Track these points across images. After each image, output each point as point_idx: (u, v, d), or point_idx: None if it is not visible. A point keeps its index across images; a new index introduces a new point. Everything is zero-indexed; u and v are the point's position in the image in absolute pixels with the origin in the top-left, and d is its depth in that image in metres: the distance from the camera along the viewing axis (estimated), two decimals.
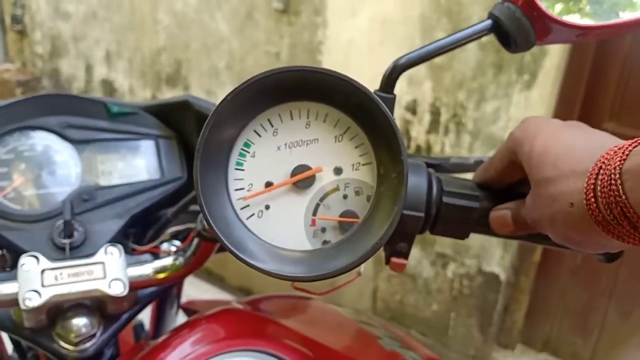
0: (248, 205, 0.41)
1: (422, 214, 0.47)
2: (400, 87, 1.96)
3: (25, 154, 0.65)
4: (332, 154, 0.41)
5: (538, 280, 1.92)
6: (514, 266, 1.89)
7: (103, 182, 0.66)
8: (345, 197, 0.42)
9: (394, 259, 0.49)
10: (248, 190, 0.41)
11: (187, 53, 2.33)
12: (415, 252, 1.99)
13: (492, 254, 1.85)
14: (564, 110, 1.74)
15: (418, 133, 1.92)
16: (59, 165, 0.66)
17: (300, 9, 2.00)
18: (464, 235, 0.50)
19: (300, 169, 0.41)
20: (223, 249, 0.46)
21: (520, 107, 1.73)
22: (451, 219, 0.49)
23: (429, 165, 0.52)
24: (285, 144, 0.41)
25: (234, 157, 0.41)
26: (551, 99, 1.71)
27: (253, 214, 0.41)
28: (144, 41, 2.45)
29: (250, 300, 0.62)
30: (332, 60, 1.97)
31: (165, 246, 0.66)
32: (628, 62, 1.67)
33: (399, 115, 1.92)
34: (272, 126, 0.42)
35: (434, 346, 2.04)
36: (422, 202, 0.47)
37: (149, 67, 2.48)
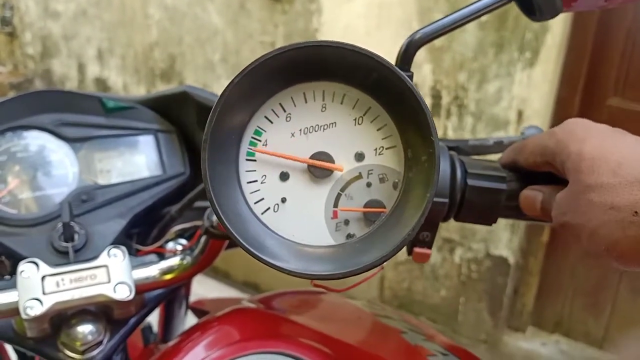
0: (263, 199, 0.38)
1: (446, 200, 0.44)
2: None
3: (18, 155, 0.61)
4: (351, 139, 0.38)
5: (547, 261, 1.89)
6: (522, 248, 1.86)
7: (102, 181, 0.63)
8: (369, 185, 0.38)
9: (417, 249, 0.46)
10: (262, 183, 0.38)
11: (180, 47, 2.29)
12: None
13: (499, 237, 1.83)
14: (567, 87, 1.70)
15: None
16: (54, 165, 0.62)
17: None
18: (491, 220, 0.47)
19: (318, 156, 0.38)
20: (232, 245, 0.43)
21: (523, 85, 1.70)
22: (477, 203, 0.46)
23: (448, 147, 0.49)
24: (300, 130, 0.38)
25: (245, 147, 0.38)
26: (554, 76, 1.68)
27: (269, 208, 0.38)
28: (136, 37, 2.41)
29: (262, 298, 0.59)
30: None
31: (171, 245, 0.63)
32: (631, 35, 1.63)
33: None
34: (285, 111, 0.38)
35: (444, 332, 2.01)
36: (446, 186, 0.44)
37: (142, 63, 2.44)
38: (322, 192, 0.38)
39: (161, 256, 0.59)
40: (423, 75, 1.83)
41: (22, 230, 0.58)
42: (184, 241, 0.64)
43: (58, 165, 0.62)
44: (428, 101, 1.85)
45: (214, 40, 2.19)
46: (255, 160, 0.38)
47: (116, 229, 0.60)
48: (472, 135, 1.82)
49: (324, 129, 0.38)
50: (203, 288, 2.18)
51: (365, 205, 0.38)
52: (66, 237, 0.56)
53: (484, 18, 1.73)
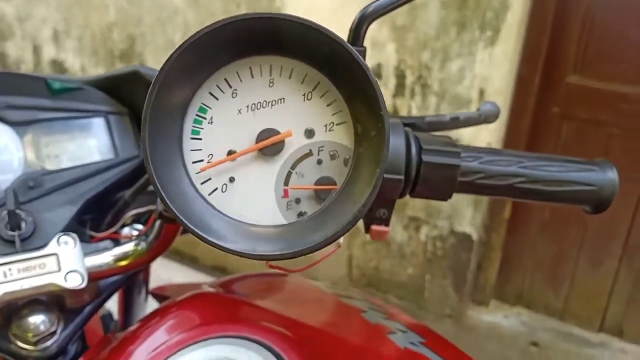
0: (210, 179, 0.37)
1: (401, 176, 0.44)
2: None
3: None
4: (301, 115, 0.37)
5: (509, 236, 1.94)
6: (485, 225, 1.90)
7: (50, 166, 0.60)
8: (319, 162, 0.38)
9: (374, 227, 0.46)
10: (208, 162, 0.37)
11: (140, 28, 2.23)
12: None
13: (463, 215, 1.86)
14: (527, 65, 1.73)
15: (385, 98, 1.88)
16: None
17: None
18: (447, 195, 0.47)
19: (266, 133, 0.37)
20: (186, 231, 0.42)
21: (485, 64, 1.71)
22: (433, 178, 0.46)
23: (404, 124, 0.49)
24: (247, 107, 0.37)
25: (189, 125, 0.36)
26: (515, 54, 1.70)
27: (216, 189, 0.37)
28: (93, 17, 2.33)
29: (223, 282, 0.58)
30: None
31: (126, 231, 0.61)
32: (590, 13, 1.66)
33: None
34: (231, 87, 0.37)
35: (410, 308, 2.05)
36: (402, 163, 0.44)
37: (100, 44, 2.37)
38: (272, 170, 0.37)
39: (117, 242, 0.58)
40: (387, 54, 1.83)
41: None
42: (140, 226, 0.62)
43: (2, 151, 0.59)
44: (392, 81, 1.85)
45: (175, 19, 2.14)
46: (200, 139, 0.37)
47: (66, 216, 0.57)
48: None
49: (272, 105, 0.37)
50: (170, 273, 2.16)
51: (316, 183, 0.37)
52: (12, 225, 0.53)
53: None
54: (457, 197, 2.07)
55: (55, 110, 0.62)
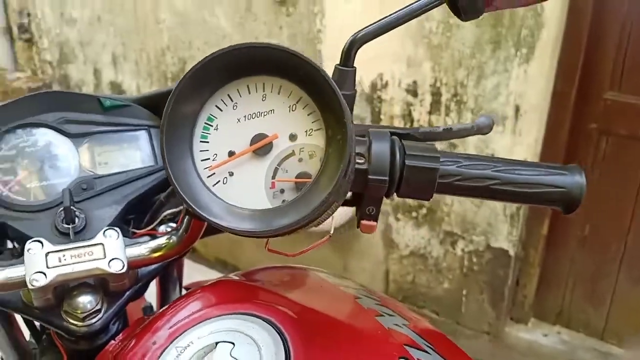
0: (214, 174, 0.46)
1: (386, 177, 0.50)
2: (400, 69, 1.98)
3: (27, 150, 0.69)
4: (287, 122, 0.45)
5: (547, 252, 1.93)
6: (522, 240, 1.90)
7: (100, 171, 0.70)
8: (300, 160, 0.46)
9: (363, 222, 0.52)
10: (213, 160, 0.45)
11: (190, 51, 2.37)
12: (423, 231, 2.02)
13: (499, 230, 1.87)
14: (564, 81, 1.74)
15: (420, 115, 1.93)
16: (58, 158, 0.70)
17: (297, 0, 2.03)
18: (428, 195, 0.53)
19: (258, 137, 0.45)
20: (213, 230, 0.50)
21: (520, 81, 1.74)
22: (414, 180, 0.52)
23: (398, 134, 0.55)
24: (245, 116, 0.45)
25: (199, 131, 0.46)
26: (550, 71, 1.72)
27: (219, 181, 0.46)
28: (149, 42, 2.50)
29: (245, 272, 0.66)
30: (332, 48, 2.00)
31: (162, 228, 0.70)
32: (626, 28, 1.66)
33: (400, 98, 1.94)
34: (232, 100, 0.46)
35: (447, 324, 2.06)
36: (386, 166, 0.50)
37: (154, 67, 2.52)
38: (263, 166, 0.46)
39: (153, 237, 0.66)
40: (423, 72, 1.88)
41: (30, 215, 0.65)
42: (173, 224, 0.72)
43: (62, 158, 0.70)
44: (428, 98, 1.90)
45: (222, 43, 2.26)
46: (208, 142, 0.46)
47: (112, 213, 0.67)
48: None
49: (264, 115, 0.46)
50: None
51: (297, 177, 0.46)
52: (67, 220, 0.64)
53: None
54: (492, 214, 2.07)
55: (106, 124, 0.73)
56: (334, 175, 0.42)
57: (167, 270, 0.82)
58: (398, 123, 1.97)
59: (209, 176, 0.46)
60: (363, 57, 1.83)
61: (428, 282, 2.07)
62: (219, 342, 0.47)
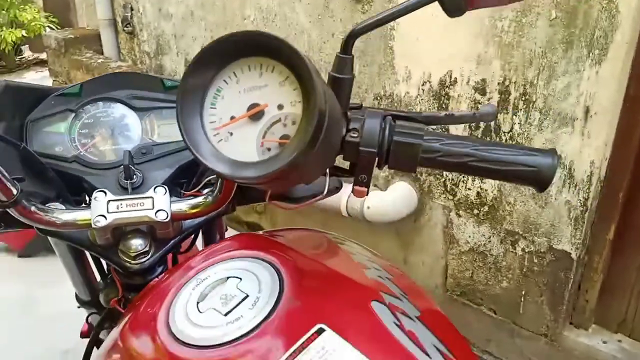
0: (218, 133, 0.57)
1: (375, 150, 0.58)
2: (469, 67, 2.00)
3: (102, 119, 0.85)
4: (276, 95, 0.56)
5: (613, 259, 1.88)
6: (585, 244, 1.87)
7: (158, 140, 0.86)
8: (284, 125, 0.56)
9: (356, 187, 0.60)
10: (218, 123, 0.57)
11: None
12: (484, 229, 2.03)
13: (562, 232, 1.85)
14: (637, 84, 1.69)
15: None
16: (126, 127, 0.86)
17: None
18: (413, 168, 0.60)
19: (253, 106, 0.56)
20: (244, 200, 0.62)
21: (592, 82, 1.71)
22: (400, 154, 0.59)
23: (395, 115, 0.62)
24: (244, 89, 0.56)
25: (209, 99, 0.57)
26: (623, 73, 1.67)
27: (221, 139, 0.57)
28: None
29: (271, 230, 0.77)
30: (404, 45, 2.05)
31: (205, 191, 0.82)
32: None
33: (468, 96, 1.96)
34: (236, 76, 0.57)
35: (504, 324, 2.06)
36: (375, 139, 0.58)
37: None
38: (256, 129, 0.57)
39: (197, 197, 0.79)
40: (492, 71, 1.89)
41: (101, 171, 0.81)
42: None
43: (128, 127, 0.87)
44: (496, 97, 1.91)
45: (300, 38, 2.39)
46: (215, 108, 0.58)
47: (164, 175, 0.82)
48: (539, 131, 1.85)
49: (259, 88, 0.56)
50: None
51: (280, 138, 0.56)
52: (126, 176, 0.78)
53: (552, 14, 1.77)
54: (556, 215, 2.05)
55: (166, 101, 0.88)
56: (305, 137, 0.52)
57: (210, 228, 0.95)
58: None
59: (214, 135, 0.57)
60: (434, 58, 1.91)
61: (486, 280, 2.08)
62: (229, 277, 0.59)
